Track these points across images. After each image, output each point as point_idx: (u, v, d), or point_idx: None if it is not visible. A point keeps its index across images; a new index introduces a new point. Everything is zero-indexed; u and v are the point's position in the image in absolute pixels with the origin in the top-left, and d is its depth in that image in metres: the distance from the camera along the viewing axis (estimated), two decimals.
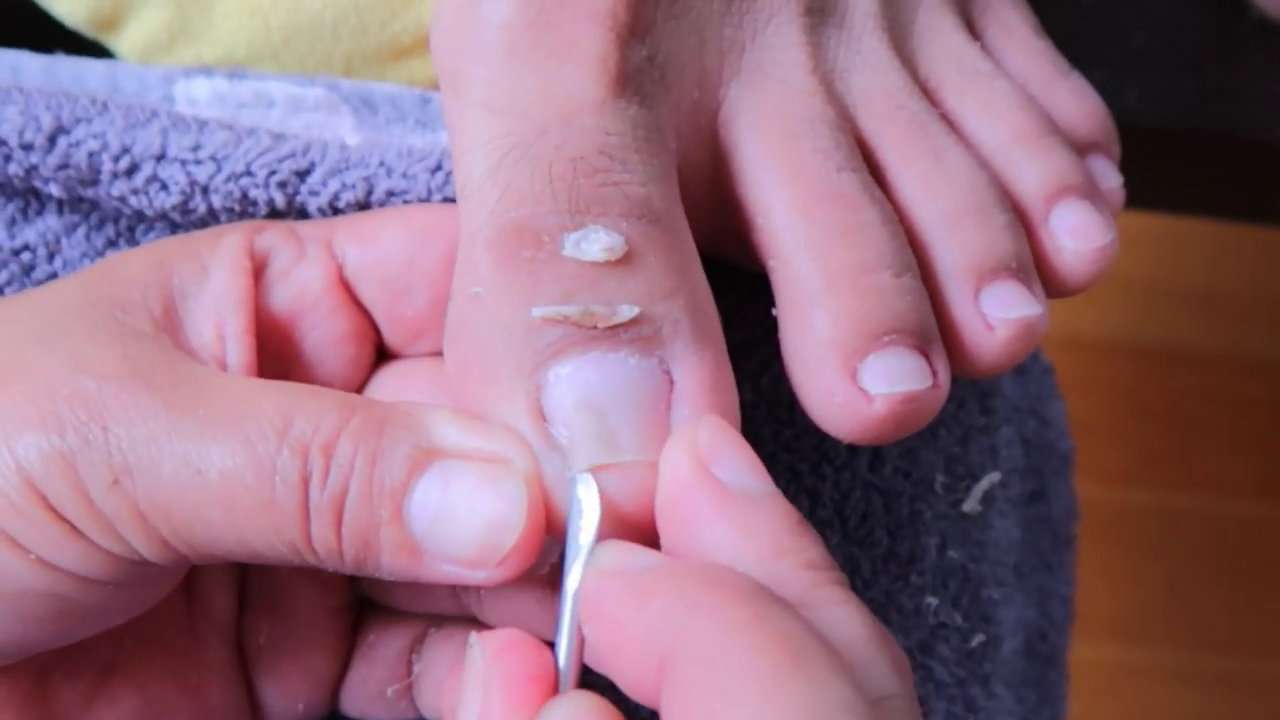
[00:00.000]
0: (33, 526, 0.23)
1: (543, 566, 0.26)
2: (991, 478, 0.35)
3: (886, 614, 0.33)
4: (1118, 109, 0.33)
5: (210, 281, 0.27)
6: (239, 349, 0.26)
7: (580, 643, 0.23)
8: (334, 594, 0.29)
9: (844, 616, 0.21)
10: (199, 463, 0.23)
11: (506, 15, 0.26)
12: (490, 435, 0.24)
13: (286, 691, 0.29)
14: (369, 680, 0.29)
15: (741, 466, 0.23)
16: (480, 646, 0.24)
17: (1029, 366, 0.38)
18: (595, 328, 0.24)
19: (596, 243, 0.24)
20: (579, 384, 0.24)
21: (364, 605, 0.30)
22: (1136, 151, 0.34)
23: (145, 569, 0.25)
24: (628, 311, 0.24)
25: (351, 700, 0.30)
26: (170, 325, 0.26)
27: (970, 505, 0.34)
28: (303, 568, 0.28)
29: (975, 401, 0.35)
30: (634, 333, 0.24)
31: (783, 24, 0.29)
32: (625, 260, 0.24)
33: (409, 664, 0.29)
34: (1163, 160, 0.43)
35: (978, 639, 0.34)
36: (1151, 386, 1.05)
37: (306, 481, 0.23)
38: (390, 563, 0.24)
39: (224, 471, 0.23)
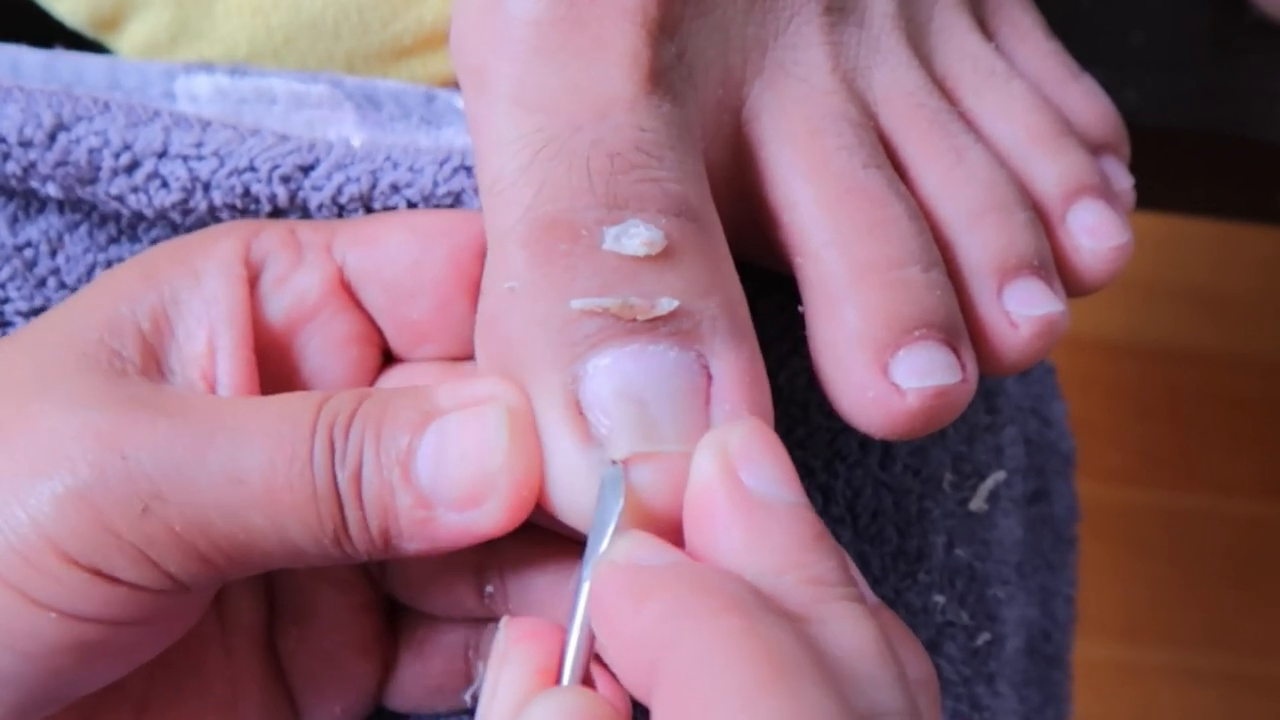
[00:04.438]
0: (52, 580, 0.23)
1: (568, 580, 0.27)
2: (997, 476, 0.35)
3: (895, 611, 0.33)
4: (1117, 108, 0.33)
5: (203, 289, 0.27)
6: (230, 364, 0.26)
7: (591, 636, 0.23)
8: (355, 591, 0.29)
9: (844, 631, 0.21)
10: (238, 471, 0.23)
11: (535, 11, 0.25)
12: (479, 384, 0.25)
13: (322, 694, 0.29)
14: (424, 676, 0.29)
15: (770, 474, 0.23)
16: (505, 631, 0.25)
17: (1031, 366, 0.38)
18: (634, 320, 0.24)
19: (636, 237, 0.24)
20: (618, 374, 0.24)
21: (405, 606, 0.30)
22: (1136, 151, 0.34)
23: (173, 600, 0.25)
24: (667, 304, 0.24)
25: (405, 696, 0.30)
26: (158, 338, 0.26)
27: (976, 504, 0.34)
28: (322, 568, 0.28)
29: (981, 400, 0.35)
30: (673, 326, 0.24)
31: (803, 23, 0.29)
32: (664, 255, 0.24)
33: (467, 658, 0.29)
34: (1162, 160, 0.43)
35: (983, 637, 0.34)
36: (1152, 386, 1.05)
37: (333, 467, 0.24)
38: (408, 525, 0.24)
39: (264, 474, 0.23)
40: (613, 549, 0.23)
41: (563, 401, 0.24)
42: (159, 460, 0.23)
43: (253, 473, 0.23)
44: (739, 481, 0.23)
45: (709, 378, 0.24)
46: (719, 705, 0.19)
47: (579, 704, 0.22)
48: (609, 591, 0.22)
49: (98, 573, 0.24)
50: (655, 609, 0.21)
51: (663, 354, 0.24)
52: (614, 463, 0.24)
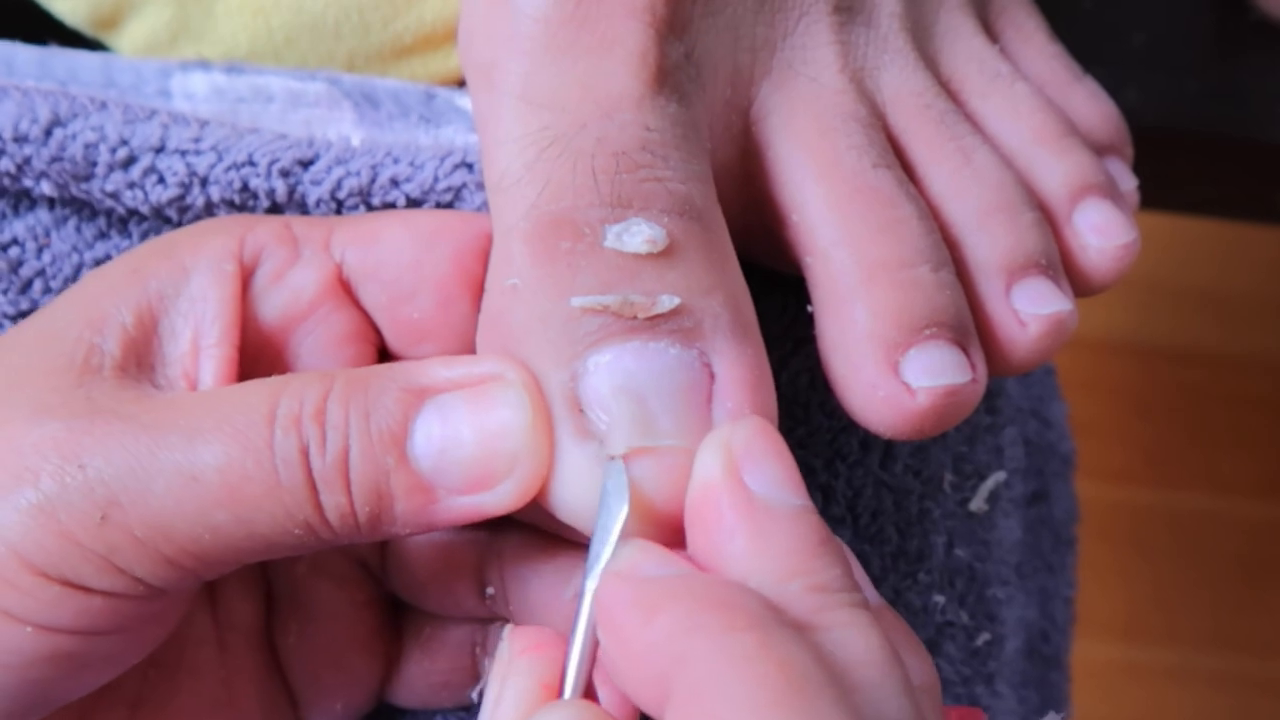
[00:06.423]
0: (25, 594, 0.23)
1: (568, 582, 0.26)
2: (997, 477, 0.35)
3: (894, 611, 0.33)
4: (1120, 110, 0.33)
5: (190, 286, 0.26)
6: (213, 364, 0.26)
7: (595, 646, 0.23)
8: (355, 588, 0.29)
9: (849, 640, 0.21)
10: (193, 470, 0.23)
11: (543, 8, 0.26)
12: (480, 363, 0.24)
13: (324, 691, 0.29)
14: (431, 672, 0.29)
15: (773, 476, 0.23)
16: (509, 642, 0.24)
17: (1038, 366, 0.38)
18: (635, 318, 0.24)
19: (639, 234, 0.24)
20: (618, 371, 0.24)
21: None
22: (1138, 152, 0.34)
23: (149, 605, 0.24)
24: (668, 302, 0.24)
25: (411, 692, 0.30)
26: (143, 335, 0.26)
27: (977, 504, 0.34)
28: (321, 565, 0.28)
29: (981, 401, 0.35)
30: (674, 324, 0.24)
31: (812, 23, 0.29)
32: (666, 253, 0.24)
33: (474, 655, 0.29)
34: (1165, 161, 0.43)
35: (983, 638, 0.34)
36: (1153, 386, 1.05)
37: (306, 454, 0.23)
38: (404, 510, 0.24)
39: (222, 470, 0.23)
40: (617, 558, 0.23)
41: (561, 398, 0.24)
42: (114, 466, 0.23)
43: (208, 469, 0.23)
44: (742, 484, 0.22)
45: (711, 376, 0.24)
46: None
47: (581, 718, 0.22)
48: (617, 604, 0.22)
49: (68, 583, 0.23)
50: (666, 623, 0.21)
51: (663, 351, 0.24)
52: (612, 458, 0.23)
